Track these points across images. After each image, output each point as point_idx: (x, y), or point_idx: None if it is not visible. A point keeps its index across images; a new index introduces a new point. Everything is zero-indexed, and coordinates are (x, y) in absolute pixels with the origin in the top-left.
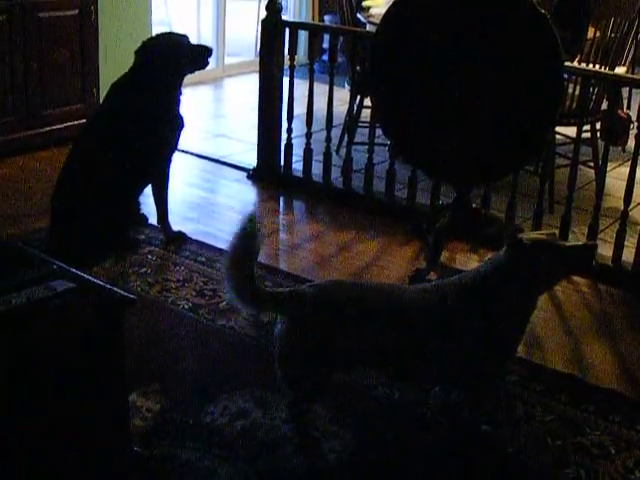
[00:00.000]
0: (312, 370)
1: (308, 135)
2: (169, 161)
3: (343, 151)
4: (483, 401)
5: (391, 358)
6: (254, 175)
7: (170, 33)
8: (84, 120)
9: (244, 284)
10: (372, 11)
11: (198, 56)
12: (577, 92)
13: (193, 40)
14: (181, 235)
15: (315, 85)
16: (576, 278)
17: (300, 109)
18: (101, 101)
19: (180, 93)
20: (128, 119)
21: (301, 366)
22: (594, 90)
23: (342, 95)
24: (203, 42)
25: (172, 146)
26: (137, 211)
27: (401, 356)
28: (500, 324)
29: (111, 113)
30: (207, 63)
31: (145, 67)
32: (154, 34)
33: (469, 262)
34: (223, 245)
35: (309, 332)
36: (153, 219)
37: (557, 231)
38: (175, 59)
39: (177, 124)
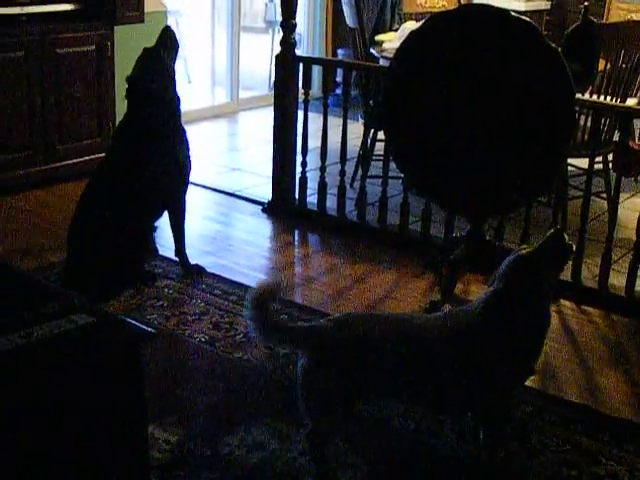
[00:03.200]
0: (334, 403)
1: (322, 168)
2: (185, 185)
3: (357, 184)
4: (499, 430)
5: (411, 388)
6: (269, 208)
7: (139, 57)
8: (100, 154)
9: (264, 319)
10: (385, 46)
11: (168, 47)
12: (589, 124)
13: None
14: (199, 268)
15: (329, 119)
16: (589, 308)
17: (314, 143)
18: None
19: (179, 102)
20: (139, 146)
21: (323, 399)
22: (606, 122)
23: (356, 128)
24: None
25: (185, 163)
26: (151, 243)
27: (421, 385)
28: (512, 349)
29: (121, 146)
30: (178, 43)
31: (137, 93)
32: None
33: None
34: (239, 278)
35: (330, 366)
36: (168, 252)
37: (570, 262)
38: (160, 75)
39: (182, 137)
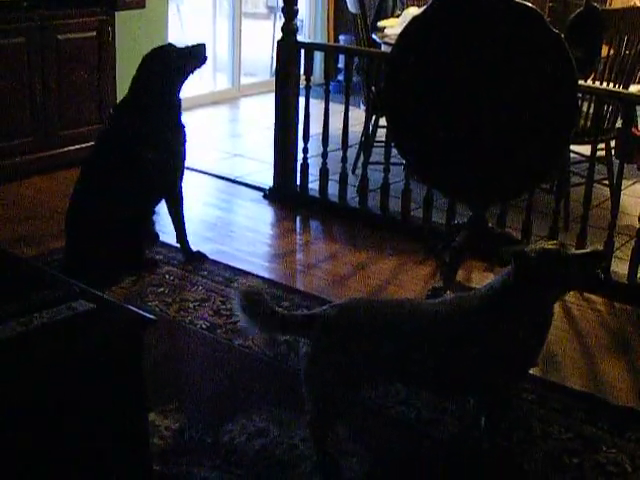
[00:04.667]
0: (337, 389)
1: (324, 155)
2: (180, 176)
3: (359, 171)
4: (501, 417)
5: (415, 372)
6: (270, 195)
7: (156, 49)
8: None
9: (264, 313)
10: (387, 31)
11: (192, 57)
12: (591, 111)
13: (208, 59)
14: (200, 255)
15: (331, 105)
16: (591, 296)
17: (316, 129)
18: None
19: (179, 102)
20: (133, 135)
21: (326, 385)
22: (608, 108)
23: (358, 115)
24: (219, 62)
25: (180, 157)
26: (151, 229)
27: (423, 370)
28: (514, 337)
29: (116, 131)
30: (205, 58)
31: (140, 85)
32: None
33: (485, 281)
34: (240, 265)
35: (333, 352)
36: (169, 238)
37: (572, 249)
38: (166, 73)
39: (180, 134)
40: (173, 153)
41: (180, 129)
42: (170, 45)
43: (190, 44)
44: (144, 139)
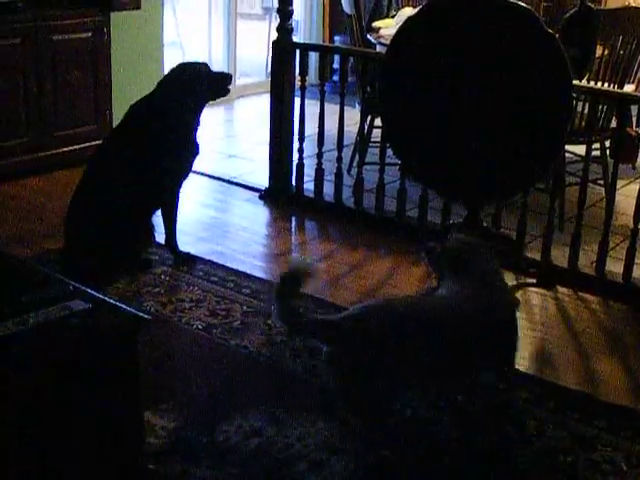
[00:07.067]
0: (371, 393)
1: (319, 155)
2: (180, 186)
3: (354, 171)
4: (498, 417)
5: (441, 375)
6: (266, 195)
7: (191, 63)
8: (97, 141)
9: (290, 313)
10: (382, 32)
11: (218, 84)
12: (586, 110)
13: (204, 62)
14: (189, 256)
15: (326, 105)
16: (586, 295)
17: (311, 129)
18: (117, 122)
19: (198, 122)
20: (144, 143)
21: (359, 392)
22: (603, 108)
23: (353, 115)
24: (214, 63)
25: (185, 172)
26: (150, 230)
27: (450, 371)
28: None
29: (127, 136)
30: (228, 90)
31: (165, 95)
32: (178, 63)
33: None
34: (236, 265)
35: (365, 361)
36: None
37: (567, 249)
38: (194, 89)
39: (192, 151)
40: (179, 163)
41: (193, 146)
42: (206, 65)
43: (219, 71)
44: (153, 146)
